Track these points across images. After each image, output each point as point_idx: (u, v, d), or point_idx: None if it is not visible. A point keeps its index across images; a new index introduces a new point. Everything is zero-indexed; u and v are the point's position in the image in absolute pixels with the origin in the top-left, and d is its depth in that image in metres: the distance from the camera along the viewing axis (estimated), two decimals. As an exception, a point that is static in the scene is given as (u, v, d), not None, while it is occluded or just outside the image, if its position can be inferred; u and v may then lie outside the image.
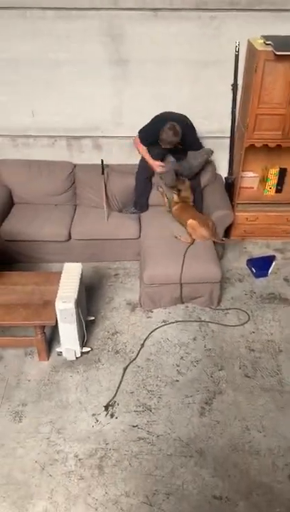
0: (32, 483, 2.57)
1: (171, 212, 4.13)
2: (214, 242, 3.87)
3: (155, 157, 3.98)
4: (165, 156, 4.03)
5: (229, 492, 2.55)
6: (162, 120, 3.72)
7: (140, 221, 4.20)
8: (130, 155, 4.39)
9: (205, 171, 4.28)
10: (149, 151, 3.98)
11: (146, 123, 3.83)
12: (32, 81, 4.01)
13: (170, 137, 3.66)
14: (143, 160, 4.11)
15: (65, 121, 4.26)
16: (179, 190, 4.08)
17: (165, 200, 4.18)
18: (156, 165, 3.99)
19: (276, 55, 3.48)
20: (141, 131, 3.89)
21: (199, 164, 4.03)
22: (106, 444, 2.78)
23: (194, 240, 3.81)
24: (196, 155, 3.96)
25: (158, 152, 3.95)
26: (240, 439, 2.81)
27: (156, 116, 3.79)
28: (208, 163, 4.32)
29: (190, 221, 3.84)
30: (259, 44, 3.64)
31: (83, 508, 2.46)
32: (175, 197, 4.10)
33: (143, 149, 3.97)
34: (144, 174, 4.17)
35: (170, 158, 4.03)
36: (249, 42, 3.79)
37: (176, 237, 3.84)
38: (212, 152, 4.06)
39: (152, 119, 3.80)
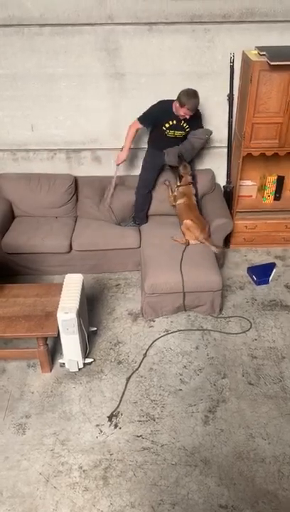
0: (37, 496, 2.56)
1: (175, 207, 4.15)
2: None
3: (161, 149, 3.96)
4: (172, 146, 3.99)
5: (235, 501, 2.53)
6: (165, 100, 3.75)
7: (140, 231, 4.22)
8: (129, 167, 4.44)
9: (205, 179, 4.32)
10: (154, 143, 3.98)
11: (148, 108, 3.81)
12: (31, 96, 4.08)
13: (191, 97, 3.58)
14: (144, 174, 4.16)
15: (64, 135, 4.32)
16: (181, 176, 4.07)
17: (170, 193, 4.21)
18: (125, 151, 3.99)
19: (270, 65, 3.54)
20: (142, 115, 3.83)
21: (200, 144, 4.03)
22: (111, 454, 2.77)
23: (188, 241, 3.84)
24: (196, 133, 3.93)
25: (165, 142, 3.94)
26: (245, 447, 2.80)
27: (160, 100, 3.79)
28: (208, 173, 4.38)
29: (186, 221, 3.90)
30: (253, 55, 3.70)
31: (88, 520, 2.45)
32: (178, 181, 4.12)
33: (131, 134, 3.90)
34: (146, 189, 4.20)
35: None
36: (243, 53, 3.86)
37: (172, 238, 3.88)
38: (211, 132, 4.06)
39: (155, 104, 3.79)
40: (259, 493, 2.56)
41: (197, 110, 3.81)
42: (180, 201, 4.08)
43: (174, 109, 3.71)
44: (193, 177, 4.17)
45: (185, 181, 4.08)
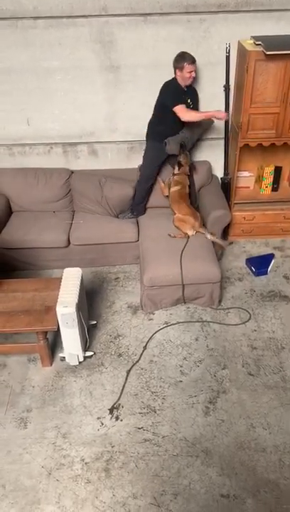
0: (39, 489, 2.58)
1: (168, 197, 4.14)
2: (213, 243, 3.90)
3: (174, 132, 3.92)
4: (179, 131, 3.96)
5: (237, 490, 2.55)
6: (169, 81, 3.75)
7: (138, 224, 4.22)
8: (126, 160, 4.42)
9: (202, 171, 4.32)
10: (162, 133, 3.91)
11: (167, 95, 3.74)
12: (26, 90, 4.05)
13: (183, 54, 3.63)
14: (146, 169, 4.14)
15: (60, 128, 4.29)
16: (180, 164, 4.05)
17: (162, 185, 4.21)
18: (214, 112, 3.82)
19: (266, 55, 3.51)
20: (173, 101, 3.69)
21: (199, 131, 4.03)
22: (112, 446, 2.78)
23: (187, 233, 3.85)
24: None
25: (175, 130, 3.93)
26: (246, 437, 2.81)
27: (166, 82, 3.77)
28: (205, 165, 4.38)
29: (176, 216, 3.95)
30: (249, 45, 3.68)
31: (91, 512, 2.47)
32: (176, 169, 4.09)
33: (193, 113, 3.78)
34: (148, 183, 4.19)
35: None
36: (239, 43, 3.83)
37: (170, 235, 3.88)
38: (213, 121, 4.06)
39: (166, 86, 3.76)
40: (260, 483, 2.58)
41: (195, 91, 3.84)
42: (174, 189, 4.07)
43: (181, 81, 3.71)
44: (190, 169, 4.15)
45: (183, 171, 4.06)
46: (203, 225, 3.99)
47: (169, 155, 4.01)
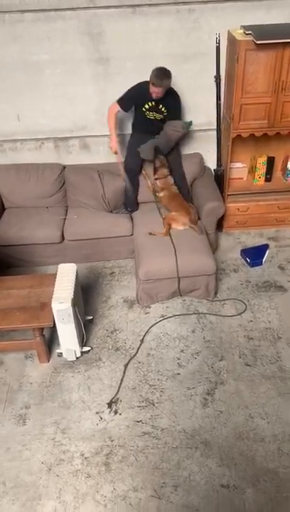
0: (40, 484, 2.58)
1: (158, 199, 4.14)
2: (207, 233, 3.89)
3: (144, 131, 3.94)
4: (150, 138, 3.95)
5: (236, 480, 2.56)
6: (143, 82, 3.69)
7: (132, 218, 4.20)
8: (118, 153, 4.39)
9: (193, 163, 4.30)
10: (137, 126, 3.95)
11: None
12: (15, 85, 4.01)
13: (159, 76, 3.50)
14: (129, 158, 4.11)
15: (51, 123, 4.25)
16: (156, 169, 4.04)
17: (149, 184, 4.18)
18: (113, 140, 3.96)
19: (256, 44, 3.49)
20: (120, 98, 3.78)
21: (176, 136, 3.96)
22: (112, 440, 2.79)
23: (168, 230, 3.84)
24: (173, 124, 3.88)
25: (147, 125, 3.91)
26: (244, 428, 2.83)
27: (138, 82, 3.73)
28: (196, 157, 4.36)
29: (169, 215, 3.95)
30: (239, 34, 3.65)
31: (92, 506, 2.47)
32: (153, 175, 4.09)
33: (112, 122, 3.87)
34: (132, 172, 4.16)
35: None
36: (229, 33, 3.80)
37: (150, 234, 3.86)
38: (190, 124, 4.02)
39: (133, 85, 3.74)
40: (259, 472, 2.59)
41: (176, 94, 3.79)
42: (161, 194, 4.10)
43: (151, 90, 3.66)
44: (171, 169, 4.13)
45: (161, 174, 4.06)
46: (199, 219, 3.98)
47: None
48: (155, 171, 4.06)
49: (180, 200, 4.05)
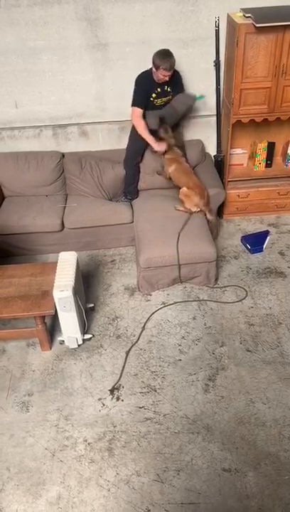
0: (44, 470, 2.61)
1: (171, 180, 4.08)
2: (208, 221, 3.88)
3: (152, 125, 3.88)
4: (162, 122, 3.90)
5: (238, 464, 2.59)
6: (142, 73, 3.67)
7: (132, 206, 4.19)
8: (117, 140, 4.37)
9: (194, 149, 4.27)
10: (145, 119, 3.87)
11: (134, 92, 3.74)
12: (13, 71, 3.96)
13: (165, 57, 3.47)
14: (131, 144, 4.08)
15: (50, 110, 4.22)
16: (161, 138, 3.95)
17: (164, 173, 4.14)
18: (154, 143, 3.89)
19: (256, 27, 3.44)
20: (134, 100, 3.75)
21: (183, 109, 3.94)
22: (114, 426, 2.82)
23: (191, 209, 3.81)
24: (178, 98, 3.84)
25: (154, 118, 3.86)
26: (246, 412, 2.85)
27: (138, 76, 3.71)
28: (198, 144, 4.33)
29: (182, 189, 3.87)
30: (238, 17, 3.60)
31: (96, 490, 2.51)
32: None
33: (142, 125, 3.82)
34: (133, 160, 4.13)
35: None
36: (228, 16, 3.75)
37: (175, 208, 3.87)
38: (195, 97, 3.98)
39: (135, 82, 3.72)
40: (261, 456, 2.62)
41: (177, 72, 3.74)
42: (171, 169, 4.00)
43: (154, 77, 3.63)
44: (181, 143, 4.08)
45: (168, 144, 3.95)
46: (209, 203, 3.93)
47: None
48: (160, 139, 3.95)
49: (193, 178, 3.96)
